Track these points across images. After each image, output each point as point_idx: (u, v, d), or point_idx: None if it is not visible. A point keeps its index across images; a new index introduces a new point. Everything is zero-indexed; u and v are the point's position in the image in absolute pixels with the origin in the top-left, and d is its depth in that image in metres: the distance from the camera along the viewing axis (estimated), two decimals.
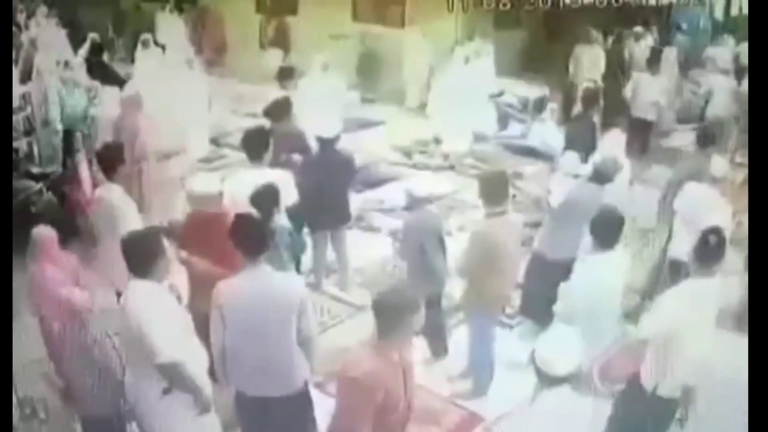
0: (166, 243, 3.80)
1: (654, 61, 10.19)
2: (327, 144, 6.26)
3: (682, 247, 5.53)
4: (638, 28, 12.39)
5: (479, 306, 5.15)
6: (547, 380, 3.24)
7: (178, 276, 4.08)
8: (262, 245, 3.83)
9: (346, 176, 6.41)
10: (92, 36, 11.13)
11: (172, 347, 3.58)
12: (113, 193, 5.15)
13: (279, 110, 6.62)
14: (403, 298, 3.26)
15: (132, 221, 5.11)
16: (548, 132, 10.25)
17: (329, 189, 6.17)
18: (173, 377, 3.66)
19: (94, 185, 6.02)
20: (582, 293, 4.63)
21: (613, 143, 6.93)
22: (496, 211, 4.92)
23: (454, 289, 5.46)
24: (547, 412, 3.26)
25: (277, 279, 3.88)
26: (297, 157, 6.36)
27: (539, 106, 10.78)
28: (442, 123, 10.83)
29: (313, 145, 6.49)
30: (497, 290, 5.10)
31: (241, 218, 4.07)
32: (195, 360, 3.80)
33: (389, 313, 3.20)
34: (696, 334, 4.01)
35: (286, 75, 7.86)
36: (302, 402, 4.08)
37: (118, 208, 5.15)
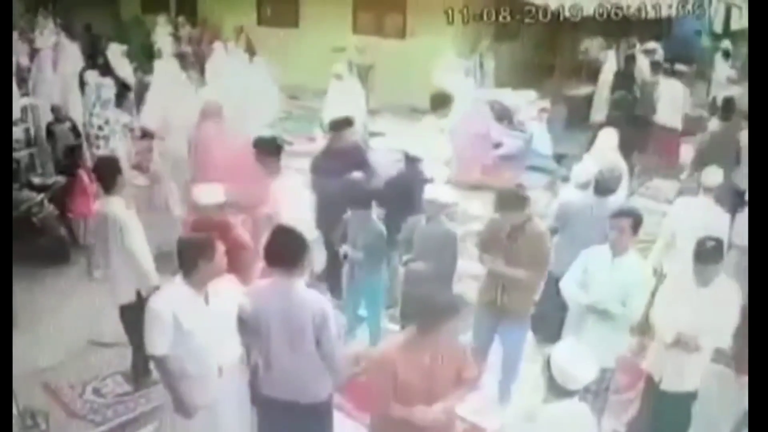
0: (219, 251, 3.79)
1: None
2: (413, 162, 6.29)
3: (679, 262, 5.56)
4: (650, 44, 12.46)
5: (525, 311, 5.18)
6: (559, 392, 3.23)
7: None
8: (297, 260, 3.81)
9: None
10: (99, 45, 11.24)
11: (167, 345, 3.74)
12: (113, 207, 5.13)
13: (341, 126, 6.62)
14: (439, 302, 3.50)
15: (135, 232, 5.10)
16: (547, 143, 10.24)
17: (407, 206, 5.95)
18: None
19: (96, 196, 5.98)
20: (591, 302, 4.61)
21: (606, 141, 6.98)
22: (520, 221, 4.88)
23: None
24: (552, 423, 3.25)
25: (300, 293, 3.84)
26: (358, 175, 6.29)
27: (539, 117, 10.75)
28: (443, 135, 10.82)
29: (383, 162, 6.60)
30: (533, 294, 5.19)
31: (280, 230, 4.03)
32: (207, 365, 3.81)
33: (427, 313, 3.47)
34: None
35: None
36: (321, 413, 4.08)
37: (120, 219, 5.12)
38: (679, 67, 11.83)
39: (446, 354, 3.56)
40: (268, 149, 5.74)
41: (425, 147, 6.79)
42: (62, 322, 6.10)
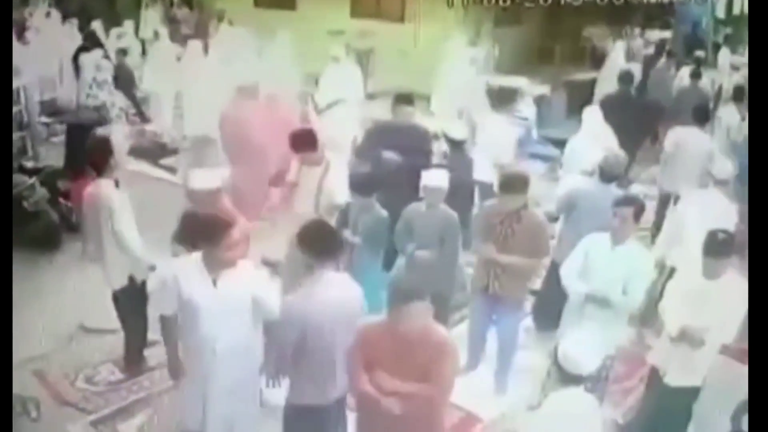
0: (229, 237, 3.79)
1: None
2: (456, 146, 6.16)
3: (686, 254, 5.50)
4: (658, 32, 12.44)
5: (518, 298, 5.15)
6: (567, 379, 3.20)
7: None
8: (334, 252, 3.80)
9: (470, 180, 6.10)
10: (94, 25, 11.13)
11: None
12: (104, 189, 5.05)
13: (399, 101, 6.53)
14: (411, 286, 3.46)
15: (125, 215, 5.03)
16: (550, 130, 10.17)
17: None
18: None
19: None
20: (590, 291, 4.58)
21: (591, 118, 7.10)
22: (518, 206, 4.85)
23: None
24: (554, 413, 3.21)
25: (339, 289, 3.78)
26: (390, 155, 6.16)
27: (540, 103, 10.67)
28: (444, 120, 10.74)
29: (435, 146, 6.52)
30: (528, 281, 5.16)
31: (313, 223, 4.02)
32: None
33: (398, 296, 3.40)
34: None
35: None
36: (341, 408, 4.02)
37: (110, 202, 5.05)
38: (699, 53, 11.76)
39: (417, 340, 3.43)
40: (306, 142, 5.59)
41: (482, 147, 6.67)
42: (54, 309, 6.02)
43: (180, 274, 3.85)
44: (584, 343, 3.29)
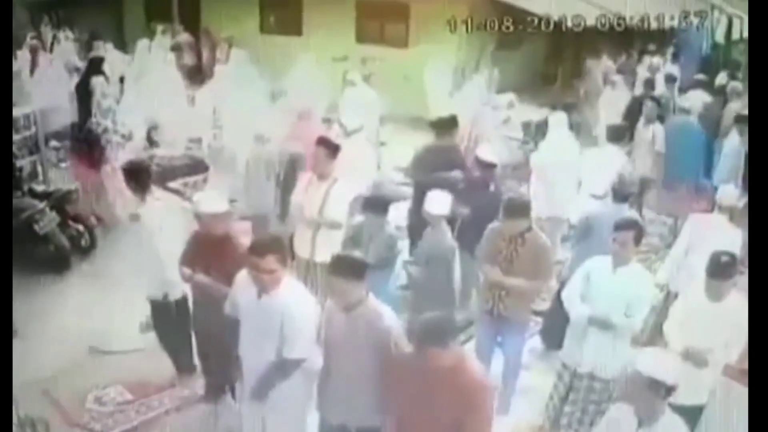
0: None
1: None
2: (487, 168, 6.26)
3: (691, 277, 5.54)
4: (655, 59, 12.50)
5: (523, 319, 5.22)
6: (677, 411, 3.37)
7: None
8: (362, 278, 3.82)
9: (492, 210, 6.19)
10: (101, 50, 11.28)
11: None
12: (144, 207, 5.25)
13: (445, 126, 6.69)
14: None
15: (167, 232, 5.21)
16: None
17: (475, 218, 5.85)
18: None
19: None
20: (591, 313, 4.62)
21: (556, 123, 7.37)
22: (522, 229, 4.91)
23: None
24: None
25: (373, 314, 3.79)
26: (456, 174, 6.35)
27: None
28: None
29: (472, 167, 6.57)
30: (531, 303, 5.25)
31: (344, 254, 4.10)
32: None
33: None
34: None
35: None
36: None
37: (151, 220, 5.24)
38: (700, 77, 11.84)
39: (445, 382, 3.42)
40: (329, 143, 5.89)
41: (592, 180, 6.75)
42: (64, 330, 6.08)
43: (238, 283, 4.12)
44: (663, 356, 3.45)
